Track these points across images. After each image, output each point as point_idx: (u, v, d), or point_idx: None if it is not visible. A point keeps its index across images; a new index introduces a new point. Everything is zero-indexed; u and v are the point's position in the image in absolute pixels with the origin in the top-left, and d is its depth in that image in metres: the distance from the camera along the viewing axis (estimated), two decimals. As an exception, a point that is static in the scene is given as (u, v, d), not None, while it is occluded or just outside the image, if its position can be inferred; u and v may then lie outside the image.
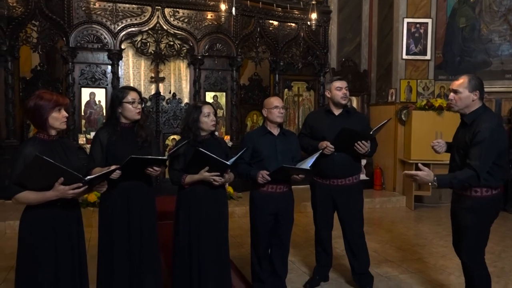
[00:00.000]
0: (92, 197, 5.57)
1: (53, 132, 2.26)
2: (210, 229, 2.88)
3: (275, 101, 3.16)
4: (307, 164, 3.04)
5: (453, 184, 2.63)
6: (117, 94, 2.73)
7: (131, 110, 2.70)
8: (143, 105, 2.80)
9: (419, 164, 2.63)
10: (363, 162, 5.60)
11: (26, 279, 2.16)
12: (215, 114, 2.99)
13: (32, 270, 2.15)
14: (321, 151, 3.19)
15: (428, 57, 7.07)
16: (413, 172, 2.62)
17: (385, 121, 3.33)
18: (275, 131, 3.20)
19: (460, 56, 7.11)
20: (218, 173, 2.82)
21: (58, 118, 2.22)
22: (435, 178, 2.58)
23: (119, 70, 6.46)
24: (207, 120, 2.91)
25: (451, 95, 2.80)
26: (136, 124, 2.76)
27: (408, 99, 7.01)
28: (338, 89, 3.32)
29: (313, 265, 3.70)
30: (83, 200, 5.57)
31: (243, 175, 3.13)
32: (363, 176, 4.39)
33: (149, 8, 6.43)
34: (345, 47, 7.81)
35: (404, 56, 7.06)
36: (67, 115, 2.27)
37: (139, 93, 2.79)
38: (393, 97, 7.12)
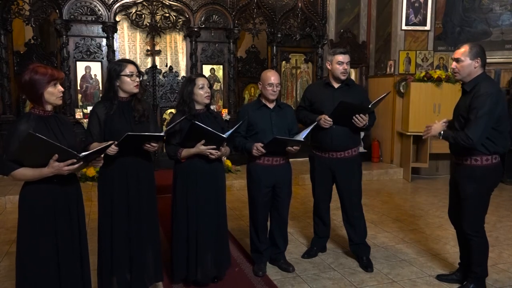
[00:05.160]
0: (91, 171, 5.59)
1: (49, 108, 2.21)
2: (207, 201, 2.91)
3: (271, 77, 3.12)
4: (301, 135, 3.05)
5: (449, 139, 2.79)
6: (114, 67, 2.68)
7: (129, 83, 2.66)
8: (140, 79, 2.77)
9: (436, 121, 2.87)
10: (361, 134, 5.59)
11: (26, 252, 2.17)
12: (210, 87, 2.96)
13: (32, 243, 2.16)
14: (316, 122, 3.20)
15: (427, 27, 6.97)
16: (430, 124, 2.87)
17: (384, 95, 3.31)
18: (271, 104, 3.19)
19: (460, 26, 7.01)
20: (214, 146, 2.82)
21: (54, 93, 2.17)
22: (442, 132, 2.82)
23: (114, 43, 6.36)
24: (201, 92, 2.88)
25: (453, 64, 2.81)
26: (133, 98, 2.73)
27: (407, 70, 6.94)
28: (339, 64, 3.27)
29: (311, 236, 3.76)
30: (82, 175, 5.59)
31: (239, 148, 3.14)
32: (361, 149, 4.42)
33: (143, -22, 6.27)
34: (343, 18, 7.68)
35: (404, 27, 6.95)
36: (62, 89, 2.23)
37: (137, 66, 2.75)
38: (392, 69, 7.05)
